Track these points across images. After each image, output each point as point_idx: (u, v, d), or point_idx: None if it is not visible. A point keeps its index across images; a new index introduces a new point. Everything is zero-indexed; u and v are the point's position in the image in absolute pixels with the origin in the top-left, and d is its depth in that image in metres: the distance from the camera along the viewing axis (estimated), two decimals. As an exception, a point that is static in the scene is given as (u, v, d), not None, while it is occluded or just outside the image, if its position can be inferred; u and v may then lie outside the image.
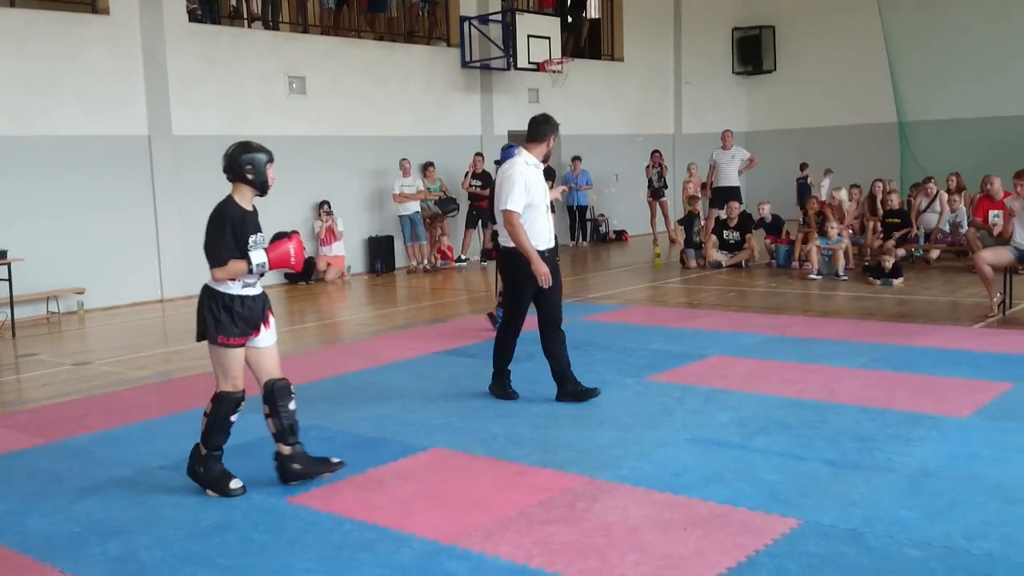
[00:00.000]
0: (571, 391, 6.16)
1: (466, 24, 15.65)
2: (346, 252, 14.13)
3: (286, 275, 13.55)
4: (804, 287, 11.55)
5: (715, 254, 13.52)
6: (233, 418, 4.72)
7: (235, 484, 4.65)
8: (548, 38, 15.68)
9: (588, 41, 18.81)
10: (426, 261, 14.75)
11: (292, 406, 4.78)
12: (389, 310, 11.29)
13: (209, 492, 4.63)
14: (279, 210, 13.42)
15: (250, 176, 4.62)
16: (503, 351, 6.37)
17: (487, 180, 14.95)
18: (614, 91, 18.47)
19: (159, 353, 8.90)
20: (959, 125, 17.88)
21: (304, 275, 13.55)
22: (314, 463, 4.81)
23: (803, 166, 17.88)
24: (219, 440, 4.69)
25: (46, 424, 6.23)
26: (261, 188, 4.72)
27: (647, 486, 4.56)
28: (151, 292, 12.23)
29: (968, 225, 12.45)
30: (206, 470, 4.68)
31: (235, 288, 4.59)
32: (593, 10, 19.66)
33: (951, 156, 17.00)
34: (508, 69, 15.71)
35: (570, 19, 17.63)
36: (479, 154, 15.16)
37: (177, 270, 12.40)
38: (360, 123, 14.45)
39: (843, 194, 13.85)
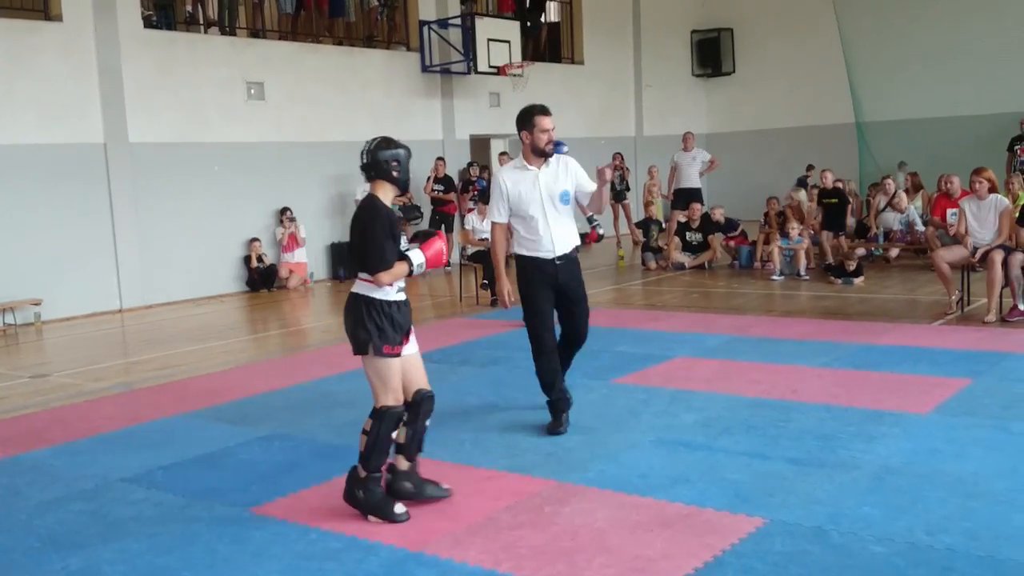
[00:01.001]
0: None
1: (425, 28, 15.62)
2: (308, 259, 14.03)
3: (247, 282, 13.44)
4: (766, 287, 11.65)
5: (678, 255, 13.60)
6: (394, 435, 4.35)
7: (399, 509, 4.29)
8: (508, 42, 15.70)
9: (548, 45, 18.85)
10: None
11: (428, 421, 4.52)
12: (353, 316, 11.21)
13: (371, 518, 4.26)
14: (239, 217, 13.38)
15: (395, 173, 4.32)
16: (539, 375, 5.61)
17: (449, 185, 14.95)
18: (575, 94, 18.52)
19: (119, 364, 8.77)
20: (914, 125, 18.15)
21: (265, 282, 13.44)
22: (425, 485, 4.50)
23: (809, 167, 17.55)
24: (381, 461, 4.31)
25: (4, 438, 6.11)
26: (404, 186, 4.42)
27: (614, 488, 4.57)
28: (110, 302, 12.06)
29: (924, 224, 12.65)
30: (367, 494, 4.30)
31: (392, 293, 4.30)
32: (552, 13, 19.71)
33: (907, 156, 17.26)
34: (468, 73, 15.71)
35: (529, 23, 17.65)
36: (441, 158, 15.14)
37: (136, 280, 12.25)
38: (320, 128, 14.36)
39: (802, 195, 14.00)
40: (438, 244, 4.45)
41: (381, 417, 4.26)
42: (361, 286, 4.28)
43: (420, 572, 3.74)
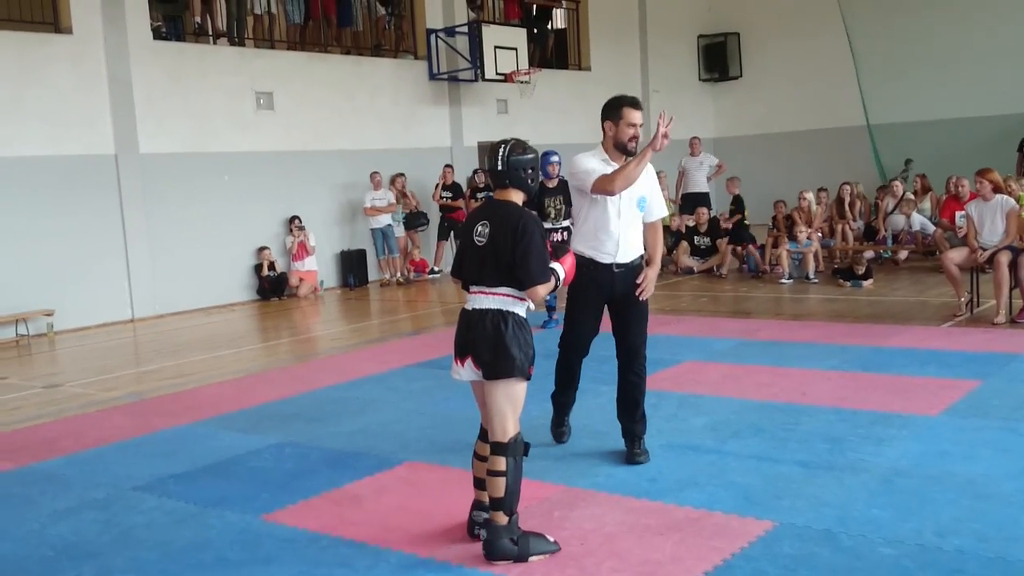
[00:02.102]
0: (627, 455, 5.11)
1: (433, 37, 15.67)
2: (318, 267, 14.08)
3: (257, 291, 13.49)
4: (775, 291, 11.65)
5: (686, 260, 13.61)
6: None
7: (551, 537, 3.98)
8: (515, 49, 15.74)
9: (555, 51, 18.87)
10: (399, 274, 14.72)
11: None
12: (363, 324, 11.26)
13: (532, 559, 3.83)
14: (249, 226, 13.44)
15: (531, 182, 4.06)
16: (557, 378, 5.42)
17: (458, 191, 14.99)
18: (582, 100, 18.50)
19: (130, 374, 8.82)
20: (923, 127, 18.10)
21: (276, 291, 13.50)
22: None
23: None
24: (519, 497, 3.91)
25: (17, 448, 6.15)
26: (533, 196, 4.20)
27: (623, 493, 4.58)
28: (121, 312, 12.12)
29: (934, 226, 12.63)
30: (520, 540, 3.85)
31: (524, 310, 4.02)
32: (559, 20, 19.74)
33: (916, 158, 17.23)
34: (476, 80, 15.75)
35: (536, 30, 17.69)
36: (449, 166, 15.17)
37: (148, 289, 12.31)
38: (329, 137, 14.43)
39: (811, 197, 13.98)
40: (572, 259, 4.23)
41: (516, 448, 3.86)
42: (502, 301, 3.90)
43: (430, 577, 3.77)
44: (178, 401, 7.32)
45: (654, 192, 5.12)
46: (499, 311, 3.90)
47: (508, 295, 3.90)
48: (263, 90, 13.62)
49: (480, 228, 3.97)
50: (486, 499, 3.97)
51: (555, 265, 4.03)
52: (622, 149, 4.94)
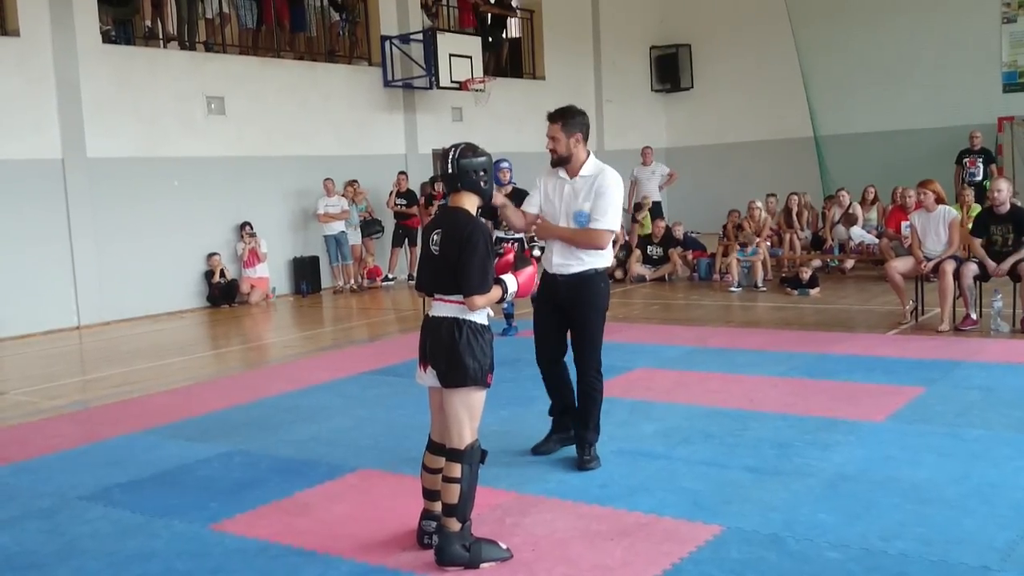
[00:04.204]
0: (578, 461, 5.14)
1: (387, 43, 15.64)
2: (270, 273, 13.95)
3: (207, 298, 13.33)
4: (725, 299, 11.79)
5: (638, 268, 13.72)
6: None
7: (503, 544, 3.98)
8: (470, 57, 15.76)
9: (509, 60, 18.94)
10: (352, 281, 14.64)
11: None
12: (315, 331, 11.18)
13: (483, 567, 3.84)
14: (199, 232, 13.28)
15: (484, 184, 3.99)
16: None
17: (412, 199, 14.96)
18: (536, 109, 18.33)
19: (76, 381, 8.67)
20: (869, 138, 18.45)
21: (226, 297, 13.34)
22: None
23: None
24: (472, 505, 3.92)
25: (-43, 458, 6.02)
26: (489, 198, 4.13)
27: (574, 499, 4.60)
28: (67, 319, 11.90)
29: (879, 236, 12.87)
30: (473, 547, 3.86)
31: (483, 318, 3.98)
32: (513, 29, 19.82)
33: (862, 169, 17.54)
34: (431, 88, 15.74)
35: (491, 38, 17.74)
36: (403, 173, 15.14)
37: (94, 296, 12.10)
38: (282, 143, 14.31)
39: (761, 206, 14.17)
40: (531, 272, 4.14)
41: (472, 456, 3.86)
42: (458, 309, 3.89)
43: (381, 585, 3.75)
44: (125, 409, 7.21)
45: (602, 207, 4.95)
46: (454, 319, 3.89)
47: (462, 303, 3.89)
48: (214, 94, 13.48)
49: (435, 237, 3.98)
50: (436, 509, 3.98)
51: (505, 277, 4.02)
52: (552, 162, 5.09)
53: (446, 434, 3.93)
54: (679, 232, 14.02)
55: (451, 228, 3.93)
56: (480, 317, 3.94)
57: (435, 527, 3.97)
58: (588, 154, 5.02)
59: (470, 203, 4.00)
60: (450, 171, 3.98)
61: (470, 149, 4.00)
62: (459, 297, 3.88)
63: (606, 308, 5.14)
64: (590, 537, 4.12)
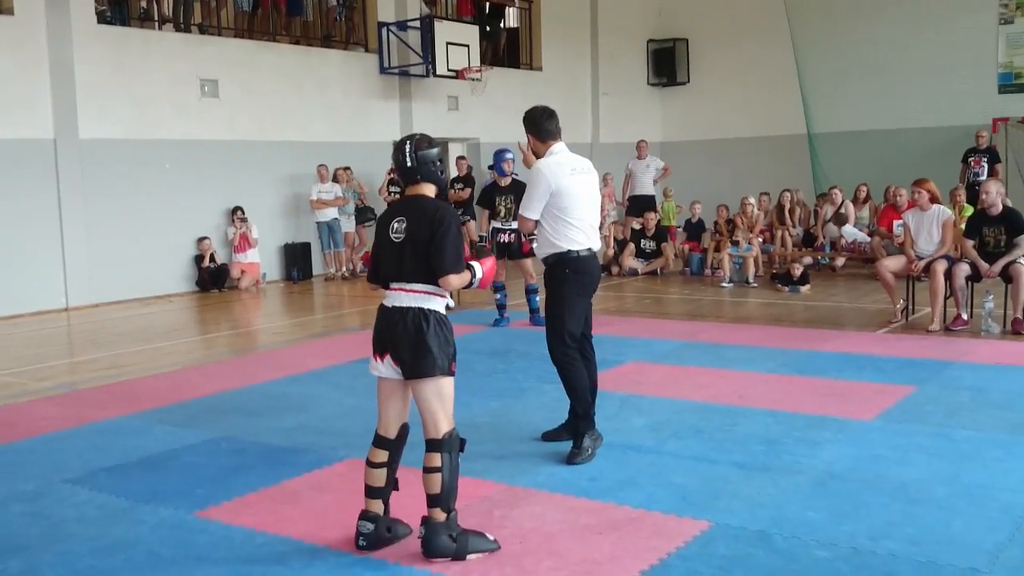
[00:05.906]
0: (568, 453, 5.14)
1: (384, 30, 15.56)
2: (261, 259, 13.90)
3: (197, 282, 13.28)
4: (716, 294, 11.79)
5: (631, 262, 13.72)
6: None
7: (491, 536, 3.97)
8: (467, 46, 15.70)
9: (507, 50, 18.88)
10: (344, 268, 14.60)
11: None
12: (306, 318, 11.14)
13: (470, 558, 3.82)
14: (190, 215, 13.22)
15: (441, 174, 4.05)
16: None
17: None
18: (533, 100, 18.26)
19: (63, 364, 8.62)
20: (864, 136, 18.45)
21: (216, 282, 13.29)
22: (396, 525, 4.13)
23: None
24: (457, 493, 3.91)
25: (-58, 438, 5.98)
26: (444, 188, 4.16)
27: (563, 492, 4.59)
28: (56, 300, 11.84)
29: (871, 235, 12.89)
30: (460, 537, 3.83)
31: (443, 308, 3.98)
32: (511, 19, 19.75)
33: (857, 167, 17.54)
34: (427, 76, 15.68)
35: (488, 28, 17.67)
36: (397, 161, 15.08)
37: (83, 278, 12.04)
38: (275, 128, 14.24)
39: (754, 202, 14.17)
40: (492, 261, 4.21)
41: (451, 444, 3.85)
42: (422, 299, 3.88)
43: None
44: (112, 393, 7.17)
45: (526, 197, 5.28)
46: (420, 309, 3.87)
47: (427, 292, 3.88)
48: (208, 77, 13.40)
49: (396, 224, 3.95)
50: (375, 509, 3.96)
51: (474, 263, 4.06)
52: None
53: (423, 425, 3.91)
54: (697, 212, 14.12)
55: (419, 213, 3.93)
56: (441, 306, 3.94)
57: (371, 528, 3.94)
58: (546, 150, 5.23)
59: (429, 192, 4.04)
60: (409, 164, 3.99)
61: (425, 140, 4.04)
62: (423, 286, 3.88)
63: (572, 293, 5.24)
64: (578, 531, 4.10)
